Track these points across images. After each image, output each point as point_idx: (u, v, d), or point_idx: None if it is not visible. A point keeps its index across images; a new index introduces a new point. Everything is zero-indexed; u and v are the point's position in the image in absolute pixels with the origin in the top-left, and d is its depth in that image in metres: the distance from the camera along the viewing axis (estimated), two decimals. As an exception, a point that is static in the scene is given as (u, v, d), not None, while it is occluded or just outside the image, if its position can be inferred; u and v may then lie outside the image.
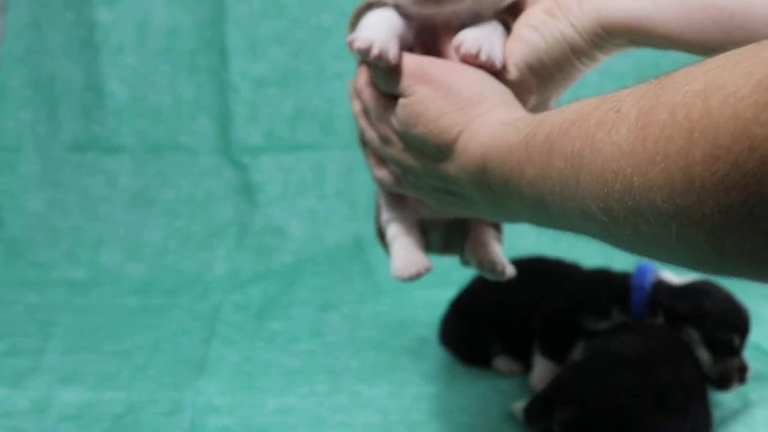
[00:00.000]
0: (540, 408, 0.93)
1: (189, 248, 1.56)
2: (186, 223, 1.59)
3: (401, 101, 0.66)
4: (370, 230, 1.61)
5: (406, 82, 0.66)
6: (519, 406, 1.01)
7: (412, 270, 0.74)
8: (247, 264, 1.54)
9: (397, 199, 0.79)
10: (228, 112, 1.61)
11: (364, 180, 1.62)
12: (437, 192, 0.69)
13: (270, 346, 1.24)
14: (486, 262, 0.77)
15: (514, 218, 0.65)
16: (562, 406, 0.90)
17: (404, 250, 0.76)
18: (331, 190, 1.62)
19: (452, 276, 1.36)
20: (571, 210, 0.50)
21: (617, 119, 0.43)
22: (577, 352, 1.06)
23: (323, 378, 1.14)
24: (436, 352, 1.21)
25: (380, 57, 0.64)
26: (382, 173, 0.78)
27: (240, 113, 1.61)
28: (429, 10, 0.66)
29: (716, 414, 1.01)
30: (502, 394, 1.10)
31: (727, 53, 0.38)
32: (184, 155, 1.61)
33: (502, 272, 0.77)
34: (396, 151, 0.70)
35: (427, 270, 0.75)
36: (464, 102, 0.64)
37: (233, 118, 1.61)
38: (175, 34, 1.59)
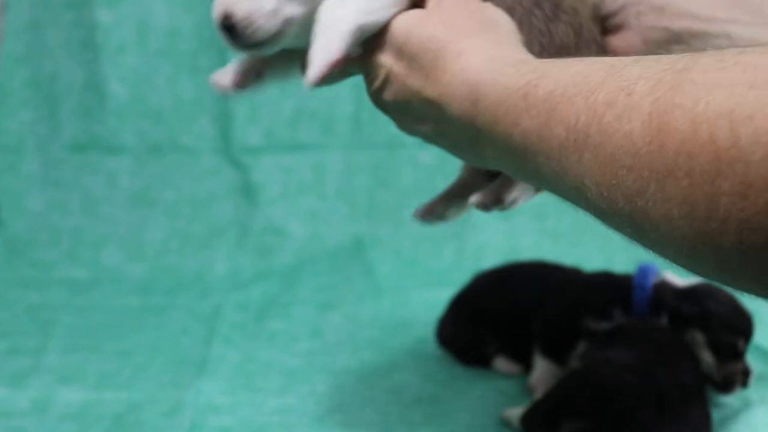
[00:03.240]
0: (542, 419, 0.92)
1: (189, 248, 1.56)
2: (186, 223, 1.59)
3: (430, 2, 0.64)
4: (370, 230, 1.62)
5: None
6: (514, 413, 0.99)
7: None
8: (247, 264, 1.54)
9: None
10: (228, 113, 1.61)
11: (364, 180, 1.62)
12: (411, 117, 0.65)
13: (270, 346, 1.24)
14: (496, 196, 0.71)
15: (487, 163, 0.60)
16: (569, 419, 0.89)
17: None
18: (331, 190, 1.62)
19: (452, 276, 1.36)
20: (565, 181, 0.49)
21: (629, 105, 0.42)
22: (578, 353, 1.06)
23: (323, 378, 1.14)
24: (436, 352, 1.21)
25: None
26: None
27: (240, 113, 1.61)
28: None
29: (717, 415, 1.01)
30: (502, 394, 1.10)
31: (753, 58, 0.37)
32: (184, 155, 1.61)
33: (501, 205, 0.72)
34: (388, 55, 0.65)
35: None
36: (477, 26, 0.62)
37: (233, 119, 1.61)
38: (175, 35, 1.59)
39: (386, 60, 0.64)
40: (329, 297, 1.42)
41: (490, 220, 1.62)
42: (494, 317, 1.16)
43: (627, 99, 0.42)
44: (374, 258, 1.54)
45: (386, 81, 0.65)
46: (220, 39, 0.63)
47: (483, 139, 0.57)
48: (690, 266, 0.41)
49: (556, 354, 1.09)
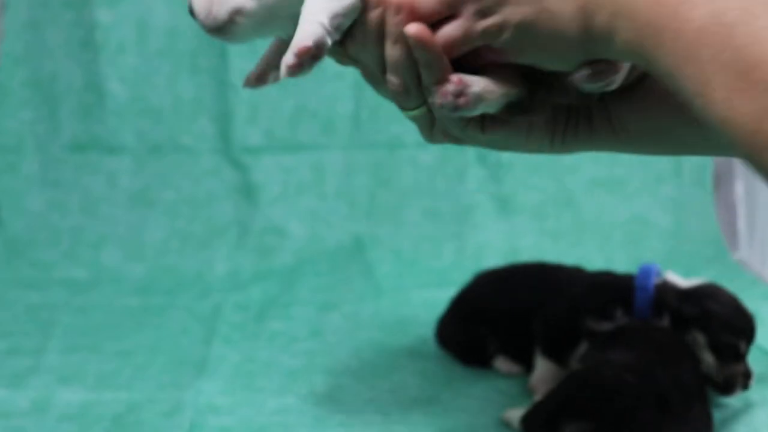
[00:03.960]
0: (543, 421, 0.91)
1: (189, 248, 1.56)
2: (186, 223, 1.59)
3: None
4: (370, 230, 1.62)
5: None
6: (515, 414, 0.99)
7: None
8: (247, 264, 1.54)
9: None
10: (228, 112, 1.61)
11: (364, 180, 1.62)
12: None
13: (270, 346, 1.24)
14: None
15: (579, 48, 0.53)
16: (570, 420, 0.89)
17: None
18: (331, 190, 1.62)
19: (452, 276, 1.36)
20: (690, 75, 0.46)
21: None
22: (579, 354, 1.06)
23: (323, 378, 1.14)
24: (436, 352, 1.21)
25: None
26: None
27: (240, 113, 1.61)
28: None
29: (717, 415, 1.01)
30: (502, 394, 1.10)
31: None
32: (184, 155, 1.61)
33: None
34: None
35: None
36: None
37: (233, 118, 1.61)
38: (175, 34, 1.59)
39: None
40: (329, 297, 1.42)
41: (490, 220, 1.62)
42: (495, 317, 1.16)
43: None
44: (374, 258, 1.54)
45: None
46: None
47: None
48: None
49: (557, 354, 1.08)
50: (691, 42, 0.46)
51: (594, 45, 0.53)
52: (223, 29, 0.63)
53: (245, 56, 1.59)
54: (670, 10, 0.47)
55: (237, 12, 0.62)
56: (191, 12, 0.64)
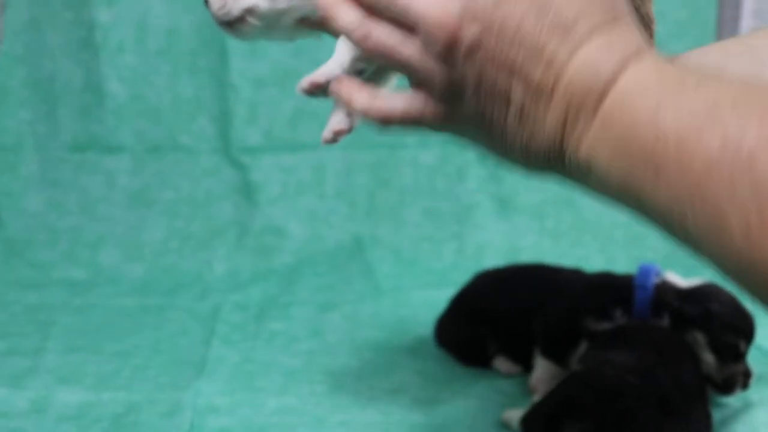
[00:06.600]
0: (543, 421, 0.91)
1: (189, 248, 1.56)
2: (186, 223, 1.58)
3: None
4: (370, 230, 1.61)
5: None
6: (514, 414, 0.98)
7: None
8: (247, 264, 1.54)
9: None
10: (228, 112, 1.61)
11: (364, 180, 1.62)
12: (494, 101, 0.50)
13: (270, 346, 1.24)
14: None
15: (551, 165, 0.49)
16: (571, 420, 0.88)
17: None
18: (331, 190, 1.62)
19: (452, 276, 1.36)
20: (697, 212, 0.40)
21: None
22: (579, 354, 1.06)
23: (323, 378, 1.14)
24: (436, 352, 1.21)
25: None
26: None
27: (240, 113, 1.61)
28: None
29: (717, 415, 1.01)
30: (502, 394, 1.10)
31: None
32: (183, 155, 1.61)
33: None
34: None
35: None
36: (562, 23, 0.47)
37: (233, 118, 1.61)
38: (174, 34, 1.59)
39: (470, 27, 0.49)
40: (329, 297, 1.42)
41: (490, 220, 1.62)
42: (494, 317, 1.16)
43: None
44: (374, 258, 1.54)
45: (472, 49, 0.49)
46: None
47: (594, 125, 0.46)
48: None
49: (557, 354, 1.08)
50: (700, 177, 0.39)
51: (562, 167, 0.48)
52: (233, 25, 0.65)
53: (245, 56, 1.59)
54: (671, 142, 0.41)
55: (249, 11, 0.64)
56: (205, 1, 0.65)
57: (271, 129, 1.61)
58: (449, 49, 0.49)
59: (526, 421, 0.92)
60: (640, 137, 0.42)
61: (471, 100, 0.50)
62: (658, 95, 0.42)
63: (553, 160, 0.49)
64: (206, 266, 1.54)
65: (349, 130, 0.63)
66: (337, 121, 0.64)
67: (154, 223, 1.58)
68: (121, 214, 1.58)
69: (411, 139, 1.58)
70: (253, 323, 1.32)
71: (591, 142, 0.46)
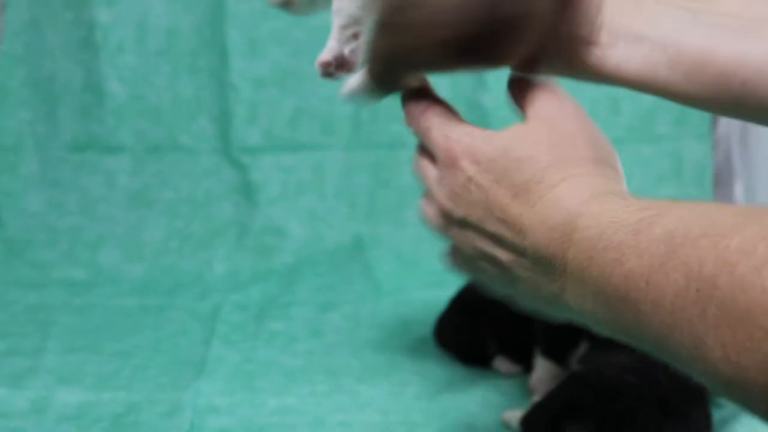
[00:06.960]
0: (544, 421, 0.91)
1: (189, 248, 1.56)
2: (185, 223, 1.58)
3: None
4: (370, 230, 1.61)
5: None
6: (514, 415, 0.98)
7: None
8: (247, 264, 1.54)
9: None
10: (228, 112, 1.61)
11: (364, 180, 1.62)
12: (479, 257, 0.60)
13: (270, 346, 1.24)
14: None
15: (560, 309, 0.54)
16: (571, 421, 0.88)
17: None
18: (331, 190, 1.62)
19: (452, 276, 1.35)
20: (676, 338, 0.43)
21: None
22: (579, 354, 1.06)
23: (323, 378, 1.14)
24: (436, 352, 1.21)
25: None
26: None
27: (240, 113, 1.60)
28: None
29: (717, 415, 1.01)
30: (503, 394, 1.10)
31: None
32: (183, 155, 1.61)
33: None
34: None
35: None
36: (587, 151, 0.56)
37: (233, 118, 1.61)
38: (175, 34, 1.59)
39: (468, 167, 0.57)
40: (329, 297, 1.42)
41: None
42: (495, 317, 1.16)
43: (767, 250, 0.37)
44: (374, 258, 1.54)
45: (464, 187, 0.58)
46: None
47: (568, 278, 0.51)
48: None
49: (557, 355, 1.08)
50: (673, 306, 0.43)
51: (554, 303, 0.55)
52: (285, 3, 0.75)
53: (245, 56, 1.59)
54: (641, 283, 0.45)
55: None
56: None
57: (271, 129, 1.61)
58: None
59: (526, 422, 0.92)
60: (611, 285, 0.47)
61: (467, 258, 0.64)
62: (617, 243, 0.47)
63: (556, 306, 0.55)
64: (206, 266, 1.54)
65: (336, 60, 0.68)
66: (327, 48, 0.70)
67: (154, 223, 1.58)
68: (121, 214, 1.58)
69: (411, 139, 1.58)
70: (253, 323, 1.32)
71: (574, 299, 0.52)
